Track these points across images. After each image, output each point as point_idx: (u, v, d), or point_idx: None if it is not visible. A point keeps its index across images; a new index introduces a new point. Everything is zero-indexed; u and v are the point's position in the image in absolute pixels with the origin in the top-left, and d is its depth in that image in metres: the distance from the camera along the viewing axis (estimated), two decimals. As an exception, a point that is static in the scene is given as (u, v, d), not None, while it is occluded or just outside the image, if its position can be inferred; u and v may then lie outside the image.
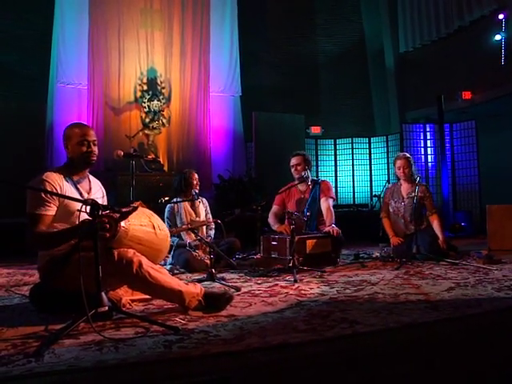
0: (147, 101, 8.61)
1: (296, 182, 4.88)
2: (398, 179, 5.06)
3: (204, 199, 4.96)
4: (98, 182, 3.04)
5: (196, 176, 4.79)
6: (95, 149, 2.80)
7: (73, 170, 2.80)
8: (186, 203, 4.68)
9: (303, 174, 4.79)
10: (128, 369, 1.79)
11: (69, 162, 2.81)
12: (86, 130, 2.80)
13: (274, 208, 5.00)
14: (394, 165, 5.05)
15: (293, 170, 4.90)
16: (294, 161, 4.90)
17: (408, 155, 5.11)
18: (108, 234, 2.38)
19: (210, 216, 4.86)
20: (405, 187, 4.99)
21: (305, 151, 5.47)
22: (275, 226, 4.84)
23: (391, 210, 5.06)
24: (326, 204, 4.82)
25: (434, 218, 4.92)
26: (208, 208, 4.94)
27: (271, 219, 4.95)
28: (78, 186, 2.78)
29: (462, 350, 2.05)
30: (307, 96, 10.52)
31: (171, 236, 4.26)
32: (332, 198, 4.91)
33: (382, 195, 8.62)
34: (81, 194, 2.75)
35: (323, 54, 10.95)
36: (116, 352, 1.95)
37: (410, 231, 4.76)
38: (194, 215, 4.66)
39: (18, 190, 2.87)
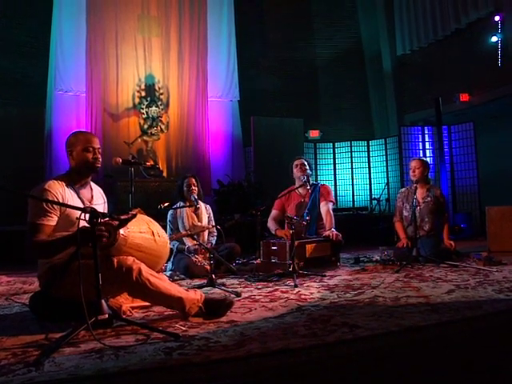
0: (145, 107, 8.60)
1: (295, 186, 4.90)
2: (413, 183, 4.98)
3: (208, 206, 4.96)
4: (100, 189, 3.04)
5: (193, 181, 4.71)
6: (100, 156, 2.81)
7: (75, 177, 2.79)
8: (189, 208, 4.67)
9: (302, 177, 4.79)
10: (129, 376, 1.78)
11: (72, 169, 2.81)
12: (91, 138, 2.81)
13: (274, 213, 5.00)
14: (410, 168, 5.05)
15: (294, 168, 4.93)
16: (296, 161, 4.96)
17: (423, 158, 5.12)
18: (107, 242, 2.38)
19: (212, 223, 4.84)
20: (420, 191, 4.93)
21: (304, 156, 5.51)
22: (275, 231, 4.84)
23: (405, 214, 5.00)
24: (325, 208, 4.83)
25: (444, 223, 4.98)
26: (211, 215, 4.92)
27: (271, 224, 4.96)
28: (80, 194, 2.78)
29: (463, 352, 2.05)
30: (305, 100, 10.53)
31: (171, 240, 4.28)
32: (332, 201, 4.92)
33: (382, 197, 8.69)
34: (83, 202, 2.75)
35: (321, 58, 10.97)
36: (116, 360, 1.94)
37: (418, 235, 4.63)
38: (196, 220, 4.65)
39: (18, 197, 2.86)
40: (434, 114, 8.19)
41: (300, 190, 4.93)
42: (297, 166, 4.93)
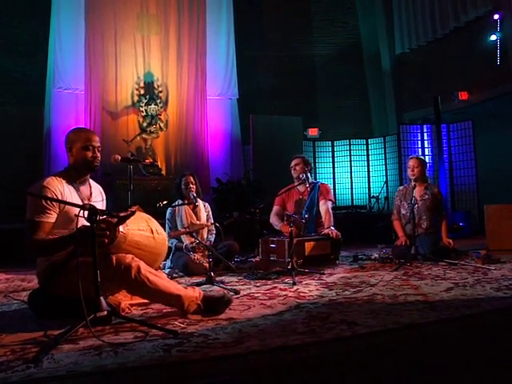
0: (144, 105, 8.58)
1: (295, 184, 4.91)
2: (411, 181, 4.97)
3: (207, 204, 4.96)
4: (99, 186, 3.03)
5: (191, 179, 4.71)
6: (99, 155, 2.80)
7: (74, 174, 2.79)
8: (187, 206, 4.67)
9: (301, 175, 4.80)
10: (127, 373, 1.79)
11: (70, 166, 2.80)
12: (92, 136, 2.80)
13: (275, 209, 5.02)
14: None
15: (292, 170, 4.95)
16: (293, 162, 4.98)
17: (421, 156, 5.10)
18: (106, 240, 2.38)
19: (211, 221, 4.84)
20: (418, 189, 4.92)
21: (303, 154, 5.51)
22: (279, 225, 4.84)
23: (403, 212, 5.00)
24: (324, 206, 4.84)
25: (443, 221, 4.98)
26: (210, 213, 4.93)
27: (274, 219, 4.97)
28: (79, 191, 2.78)
29: (461, 349, 2.05)
30: (304, 98, 10.51)
31: (170, 239, 4.29)
32: (331, 200, 4.93)
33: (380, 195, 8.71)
34: (81, 199, 2.75)
35: (320, 57, 10.96)
36: (115, 356, 1.95)
37: (416, 233, 4.64)
38: (194, 218, 4.66)
39: (18, 195, 2.86)
40: (433, 112, 8.18)
41: (299, 187, 4.95)
42: (291, 167, 4.97)
